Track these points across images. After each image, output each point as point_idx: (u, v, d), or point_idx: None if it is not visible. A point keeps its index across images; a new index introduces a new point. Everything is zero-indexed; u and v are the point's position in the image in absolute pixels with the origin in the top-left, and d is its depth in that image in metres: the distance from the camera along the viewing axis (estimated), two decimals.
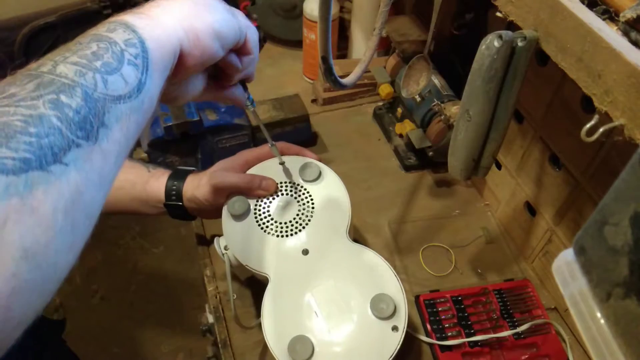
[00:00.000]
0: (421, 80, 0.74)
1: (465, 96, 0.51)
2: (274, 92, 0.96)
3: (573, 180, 0.62)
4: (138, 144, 0.79)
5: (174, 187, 0.63)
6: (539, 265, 0.73)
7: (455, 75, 0.81)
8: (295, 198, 0.62)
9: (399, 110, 0.90)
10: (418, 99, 0.80)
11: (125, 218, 1.74)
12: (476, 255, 0.75)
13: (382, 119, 0.94)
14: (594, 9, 0.41)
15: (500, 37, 0.45)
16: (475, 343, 0.64)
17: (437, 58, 0.76)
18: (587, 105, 0.56)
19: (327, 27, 0.50)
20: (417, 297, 0.69)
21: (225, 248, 0.61)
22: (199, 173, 0.65)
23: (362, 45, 0.98)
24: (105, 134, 0.30)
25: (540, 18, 0.45)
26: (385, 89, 0.88)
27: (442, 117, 0.74)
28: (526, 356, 0.64)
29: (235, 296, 0.64)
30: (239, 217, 0.60)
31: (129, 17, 0.35)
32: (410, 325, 0.67)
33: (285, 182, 0.62)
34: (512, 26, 0.49)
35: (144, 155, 0.78)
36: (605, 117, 0.40)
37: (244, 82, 0.51)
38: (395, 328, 0.53)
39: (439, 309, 0.67)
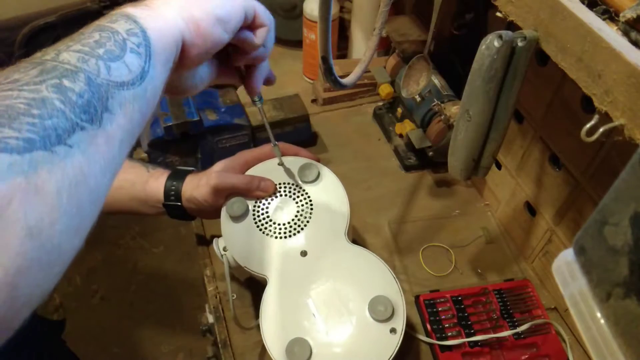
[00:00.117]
0: (421, 80, 0.74)
1: (465, 96, 0.51)
2: (274, 92, 0.95)
3: (573, 180, 0.62)
4: (138, 144, 0.79)
5: (173, 188, 0.63)
6: (539, 265, 0.73)
7: (455, 75, 0.81)
8: (294, 199, 0.62)
9: (399, 110, 0.90)
10: (418, 99, 0.80)
11: (125, 218, 1.74)
12: (476, 255, 0.75)
13: (382, 119, 0.94)
14: (594, 9, 0.41)
15: (500, 37, 0.45)
16: (475, 343, 0.64)
17: (437, 58, 0.76)
18: (587, 105, 0.56)
19: (327, 27, 0.50)
20: (417, 297, 0.69)
21: (224, 249, 0.61)
22: (198, 173, 0.65)
23: (362, 45, 0.98)
24: (109, 119, 0.30)
25: (540, 18, 0.45)
26: (385, 89, 0.88)
27: (442, 117, 0.74)
28: (526, 356, 0.64)
29: (234, 296, 0.64)
30: (237, 218, 0.60)
31: (130, 8, 0.35)
32: (410, 325, 0.67)
33: (284, 183, 0.62)
34: (512, 26, 0.49)
35: (144, 155, 0.78)
36: (605, 117, 0.39)
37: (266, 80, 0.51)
38: (393, 330, 0.53)
39: (439, 309, 0.67)
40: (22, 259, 0.24)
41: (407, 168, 0.87)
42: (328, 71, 0.55)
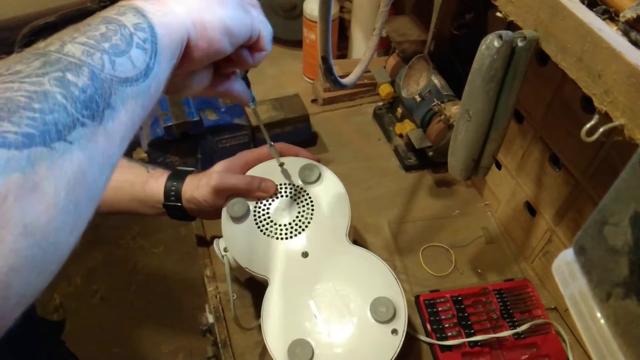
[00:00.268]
0: (421, 80, 0.74)
1: (465, 96, 0.51)
2: (274, 92, 0.96)
3: (573, 180, 0.62)
4: (138, 144, 0.79)
5: (173, 188, 0.63)
6: (539, 265, 0.73)
7: (455, 75, 0.81)
8: (295, 200, 0.62)
9: (399, 110, 0.90)
10: (418, 99, 0.80)
11: (125, 218, 1.74)
12: (476, 255, 0.75)
13: (382, 119, 0.94)
14: (594, 9, 0.41)
15: (500, 37, 0.45)
16: (475, 343, 0.64)
17: (437, 58, 0.76)
18: (587, 105, 0.56)
19: (327, 27, 0.50)
20: (417, 297, 0.69)
21: (225, 250, 0.61)
22: (198, 174, 0.65)
23: (362, 45, 0.98)
24: (111, 115, 0.29)
25: (540, 18, 0.45)
26: (385, 89, 0.88)
27: (442, 117, 0.74)
28: (526, 356, 0.64)
29: (235, 296, 0.64)
30: (238, 219, 0.60)
31: (139, 1, 0.35)
32: (410, 325, 0.67)
33: (285, 184, 0.62)
34: (512, 26, 0.49)
35: (144, 155, 0.78)
36: (605, 117, 0.39)
37: (247, 80, 0.50)
38: (394, 331, 0.53)
39: (439, 309, 0.67)
40: (15, 257, 0.23)
41: (407, 168, 0.87)
42: (328, 71, 0.55)
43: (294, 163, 0.63)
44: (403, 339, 0.53)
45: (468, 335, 0.64)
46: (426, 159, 0.85)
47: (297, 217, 0.60)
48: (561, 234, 0.66)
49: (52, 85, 0.27)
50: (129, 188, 0.64)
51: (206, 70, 0.45)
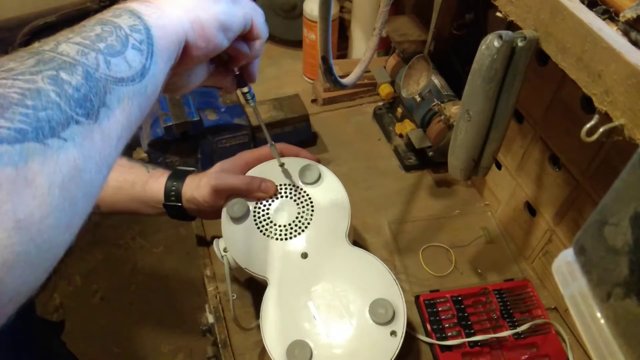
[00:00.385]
0: (421, 80, 0.74)
1: (465, 96, 0.51)
2: (274, 92, 0.96)
3: (573, 180, 0.62)
4: (138, 144, 0.79)
5: (173, 188, 0.63)
6: (539, 265, 0.73)
7: (455, 75, 0.81)
8: (295, 201, 0.61)
9: (399, 110, 0.90)
10: (418, 99, 0.80)
11: (125, 218, 1.74)
12: (476, 255, 0.75)
13: (382, 119, 0.94)
14: (594, 9, 0.41)
15: (500, 37, 0.45)
16: (475, 343, 0.64)
17: (437, 58, 0.76)
18: (587, 105, 0.56)
19: (327, 27, 0.50)
20: (417, 297, 0.69)
21: (225, 250, 0.61)
22: (198, 174, 0.65)
23: (362, 45, 0.98)
24: (107, 114, 0.30)
25: (540, 18, 0.45)
26: (385, 89, 0.88)
27: (442, 117, 0.74)
28: (526, 356, 0.64)
29: (234, 296, 0.64)
30: (238, 219, 0.60)
31: (135, 4, 0.35)
32: (410, 325, 0.67)
33: (285, 185, 0.62)
34: (512, 26, 0.49)
35: (144, 155, 0.78)
36: (605, 117, 0.39)
37: (242, 77, 0.51)
38: (393, 333, 0.53)
39: (439, 309, 0.67)
40: (8, 252, 0.23)
41: (407, 168, 0.87)
42: (328, 71, 0.55)
43: (294, 163, 0.63)
44: (402, 341, 0.53)
45: (468, 335, 0.64)
46: (426, 159, 0.85)
47: (297, 217, 0.60)
48: (561, 234, 0.66)
49: (46, 83, 0.27)
50: (129, 188, 0.64)
51: (203, 65, 0.45)
